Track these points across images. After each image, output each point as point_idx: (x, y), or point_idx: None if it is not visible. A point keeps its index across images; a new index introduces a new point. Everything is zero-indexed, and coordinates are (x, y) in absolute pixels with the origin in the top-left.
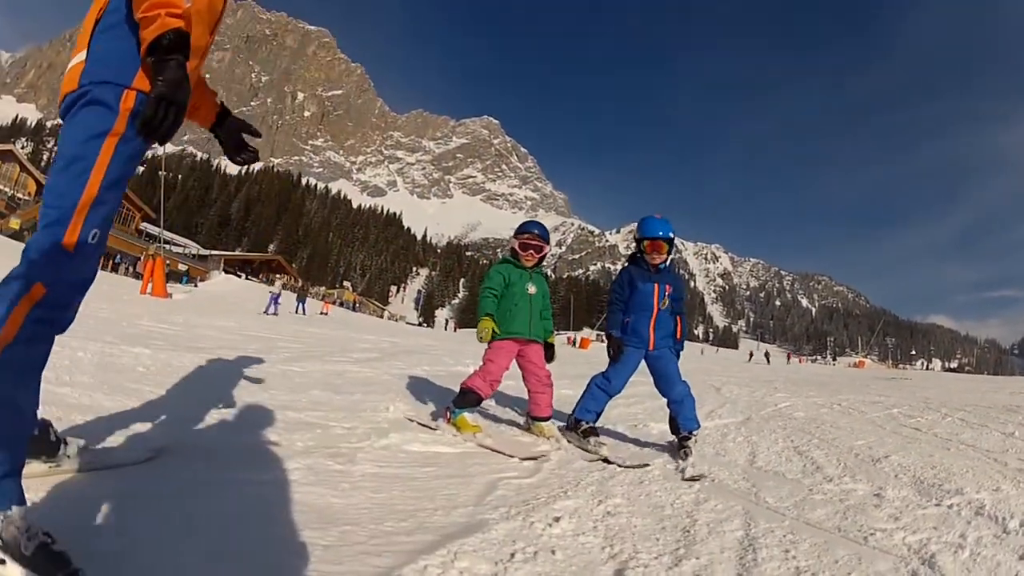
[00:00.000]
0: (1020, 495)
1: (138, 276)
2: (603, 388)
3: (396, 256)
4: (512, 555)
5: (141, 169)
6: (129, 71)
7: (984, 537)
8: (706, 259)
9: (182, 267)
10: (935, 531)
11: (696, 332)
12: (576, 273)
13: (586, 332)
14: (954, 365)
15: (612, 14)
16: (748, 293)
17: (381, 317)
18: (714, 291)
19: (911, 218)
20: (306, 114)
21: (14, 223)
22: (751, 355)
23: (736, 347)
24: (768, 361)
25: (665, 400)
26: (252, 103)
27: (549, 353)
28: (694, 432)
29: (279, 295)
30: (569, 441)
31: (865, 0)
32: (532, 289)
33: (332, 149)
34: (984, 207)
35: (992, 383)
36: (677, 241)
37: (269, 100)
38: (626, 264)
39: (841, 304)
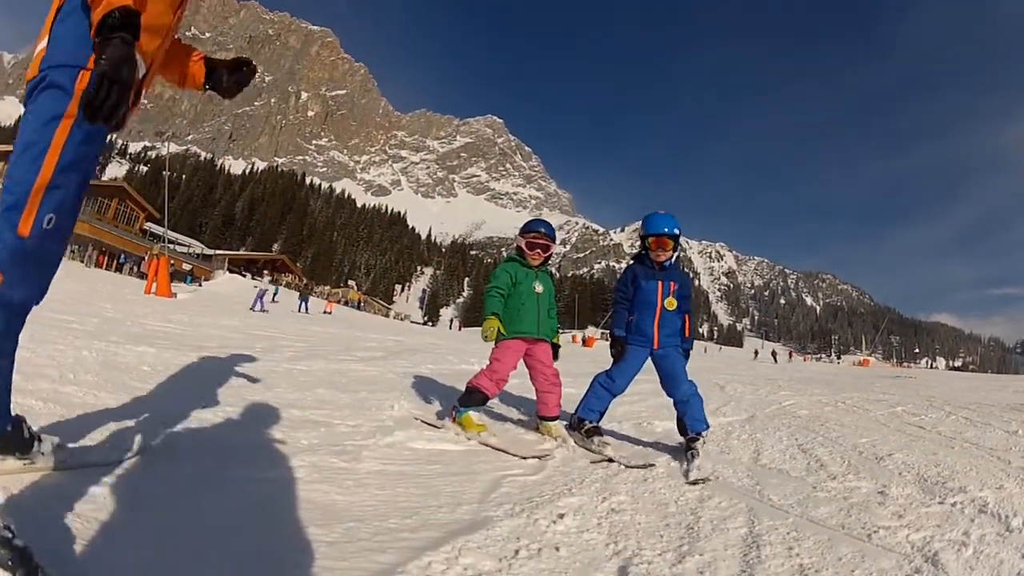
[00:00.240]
0: (1023, 493)
1: (142, 276)
2: (606, 387)
3: (400, 255)
4: (516, 552)
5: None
6: (84, 53)
7: (987, 535)
8: (710, 257)
9: (186, 267)
10: (938, 529)
11: (700, 330)
12: (580, 272)
13: (590, 331)
14: (958, 363)
15: (615, 12)
16: (752, 291)
17: (387, 316)
18: (718, 289)
19: (915, 215)
20: (310, 114)
21: None
22: (756, 353)
23: (740, 345)
24: (775, 360)
25: (671, 400)
26: (256, 103)
27: (554, 353)
28: (703, 433)
29: (266, 292)
30: (573, 441)
31: None
32: (539, 288)
33: (336, 149)
34: (988, 204)
35: (996, 381)
36: (681, 240)
37: (273, 100)
38: (631, 262)
39: (845, 302)
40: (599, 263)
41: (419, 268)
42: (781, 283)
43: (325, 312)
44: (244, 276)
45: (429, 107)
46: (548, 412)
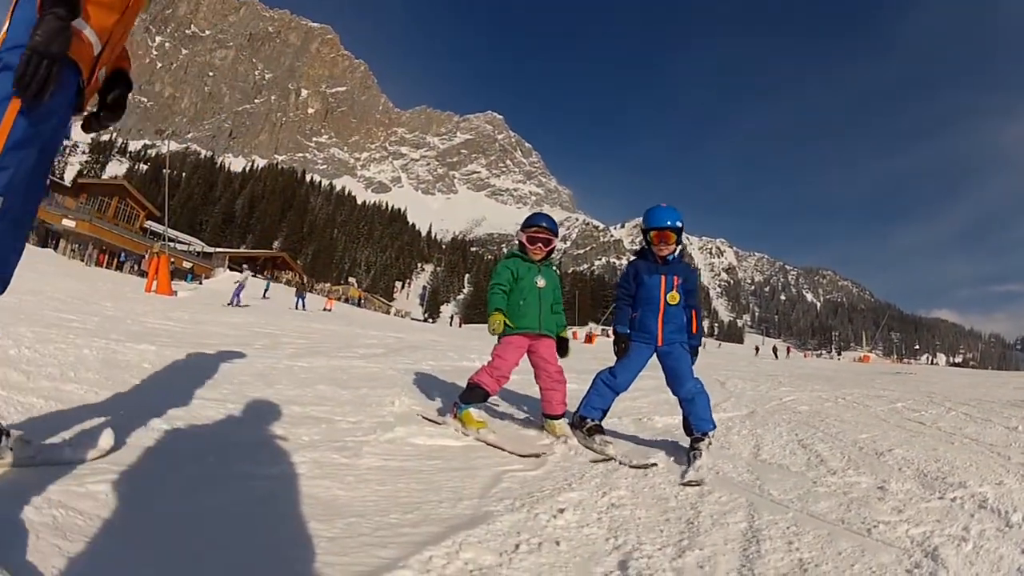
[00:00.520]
0: (1023, 489)
1: (143, 274)
2: (609, 384)
3: (401, 252)
4: (517, 546)
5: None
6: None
7: (987, 530)
8: (711, 253)
9: (187, 265)
10: (938, 524)
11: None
12: (581, 268)
13: (591, 327)
14: (959, 360)
15: (616, 10)
16: (753, 287)
17: (387, 313)
18: (719, 285)
19: (916, 213)
20: (310, 111)
21: None
22: (757, 349)
23: (741, 341)
24: (776, 356)
25: (676, 398)
26: (256, 100)
27: (562, 348)
28: (709, 433)
29: (243, 285)
30: (576, 440)
31: None
32: (541, 282)
33: (336, 146)
34: (989, 202)
35: (996, 378)
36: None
37: (273, 97)
38: (633, 258)
39: (846, 299)
40: (599, 259)
41: (419, 265)
42: (781, 279)
43: (325, 309)
44: (242, 271)
45: (429, 104)
46: (552, 410)
